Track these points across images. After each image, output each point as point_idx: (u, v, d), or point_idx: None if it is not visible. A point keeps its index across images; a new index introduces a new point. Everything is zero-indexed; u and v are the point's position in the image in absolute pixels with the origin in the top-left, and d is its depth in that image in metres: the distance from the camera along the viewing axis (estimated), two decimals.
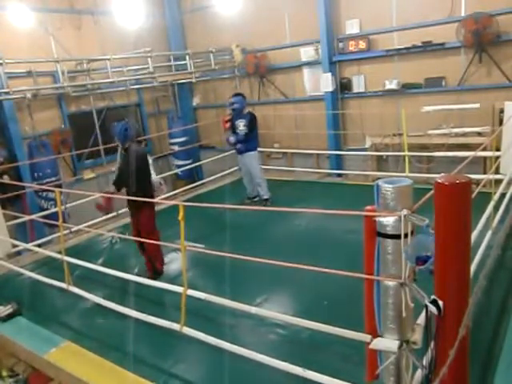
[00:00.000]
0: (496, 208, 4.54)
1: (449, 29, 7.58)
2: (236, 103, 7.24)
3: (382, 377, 2.41)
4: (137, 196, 4.49)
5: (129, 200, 4.92)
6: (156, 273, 5.00)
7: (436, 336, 2.14)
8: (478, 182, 4.30)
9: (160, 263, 5.12)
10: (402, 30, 8.22)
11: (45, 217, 6.55)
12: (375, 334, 2.36)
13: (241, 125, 7.22)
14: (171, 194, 8.22)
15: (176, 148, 10.23)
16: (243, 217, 6.52)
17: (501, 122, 6.68)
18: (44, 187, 7.25)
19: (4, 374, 4.16)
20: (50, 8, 8.55)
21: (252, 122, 7.23)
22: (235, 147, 7.34)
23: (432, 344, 2.17)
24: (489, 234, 4.34)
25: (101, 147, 8.44)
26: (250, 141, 7.26)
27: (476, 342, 2.93)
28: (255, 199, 7.46)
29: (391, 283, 2.24)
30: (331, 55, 9.00)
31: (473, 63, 7.67)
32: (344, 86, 9.18)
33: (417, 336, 2.30)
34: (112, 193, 4.98)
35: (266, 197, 7.31)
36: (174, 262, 5.31)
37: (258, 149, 7.63)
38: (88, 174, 9.17)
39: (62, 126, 8.92)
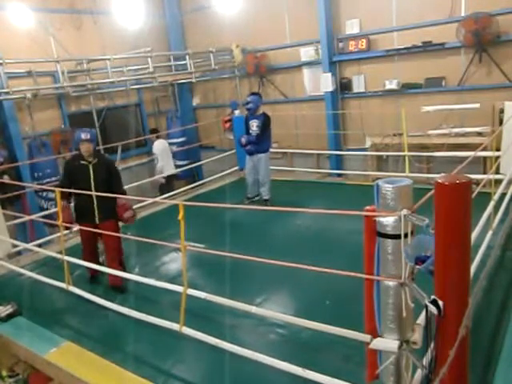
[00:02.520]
0: (496, 208, 4.54)
1: (449, 29, 7.59)
2: (251, 102, 7.10)
3: (382, 377, 2.41)
4: (111, 204, 4.58)
5: (94, 210, 4.57)
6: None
7: (436, 336, 2.14)
8: (478, 182, 4.30)
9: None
10: (402, 30, 8.23)
11: (45, 217, 6.55)
12: (375, 334, 2.36)
13: (254, 125, 7.09)
14: (171, 194, 8.22)
15: (174, 148, 10.23)
16: (243, 217, 6.53)
17: (501, 122, 6.68)
18: (44, 187, 7.25)
19: (4, 374, 4.16)
20: (50, 8, 8.55)
21: (265, 123, 7.07)
22: (245, 148, 7.19)
23: (432, 344, 2.17)
24: (489, 234, 4.34)
25: (101, 147, 8.43)
26: (261, 142, 7.10)
27: (476, 342, 2.92)
28: (254, 199, 7.43)
29: (391, 283, 2.24)
30: (331, 55, 9.01)
31: (473, 63, 7.68)
32: (344, 86, 9.18)
33: (417, 336, 2.30)
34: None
35: (266, 197, 7.28)
36: (174, 261, 5.31)
37: None
38: None
39: (62, 125, 8.92)
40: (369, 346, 2.36)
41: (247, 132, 7.19)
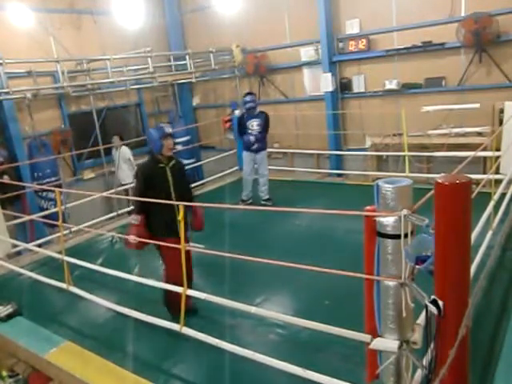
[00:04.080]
0: (496, 208, 4.54)
1: (449, 29, 7.58)
2: (251, 102, 7.22)
3: (382, 377, 2.41)
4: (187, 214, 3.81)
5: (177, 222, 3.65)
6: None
7: (436, 336, 2.14)
8: (478, 182, 4.30)
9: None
10: (402, 29, 8.22)
11: (45, 217, 6.55)
12: (375, 334, 2.36)
13: (254, 124, 7.23)
14: None
15: (179, 147, 10.24)
16: (243, 217, 6.53)
17: (501, 122, 6.68)
18: (44, 187, 7.26)
19: (4, 374, 4.16)
20: (50, 8, 8.55)
21: (267, 121, 7.32)
22: (252, 147, 7.33)
23: (432, 344, 2.17)
24: (489, 234, 4.34)
25: (101, 147, 8.44)
26: (264, 140, 7.39)
27: (476, 342, 2.92)
28: (249, 201, 7.47)
29: (391, 283, 2.24)
30: (331, 55, 9.00)
31: (473, 63, 7.67)
32: (344, 86, 9.17)
33: (417, 336, 2.30)
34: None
35: (267, 196, 7.35)
36: None
37: None
38: (88, 174, 9.20)
39: (62, 125, 8.92)
40: (369, 346, 2.36)
41: (244, 132, 7.29)
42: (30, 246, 5.55)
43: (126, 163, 8.68)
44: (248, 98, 7.25)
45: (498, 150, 5.53)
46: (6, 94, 7.28)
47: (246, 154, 7.45)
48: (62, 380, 3.61)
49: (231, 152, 9.06)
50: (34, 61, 7.63)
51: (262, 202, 7.31)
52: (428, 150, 7.42)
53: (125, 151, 8.72)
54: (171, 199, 3.85)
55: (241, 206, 6.64)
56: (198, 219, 4.06)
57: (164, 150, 3.94)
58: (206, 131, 11.34)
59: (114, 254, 6.08)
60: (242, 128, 7.33)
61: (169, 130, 3.98)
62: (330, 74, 9.01)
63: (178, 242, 3.33)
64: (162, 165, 3.96)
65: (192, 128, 10.66)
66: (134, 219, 3.83)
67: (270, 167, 7.64)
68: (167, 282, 3.81)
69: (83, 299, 4.18)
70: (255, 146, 7.32)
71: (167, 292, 3.86)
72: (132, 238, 3.75)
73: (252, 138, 7.25)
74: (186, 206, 3.49)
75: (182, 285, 3.45)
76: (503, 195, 4.88)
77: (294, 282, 4.40)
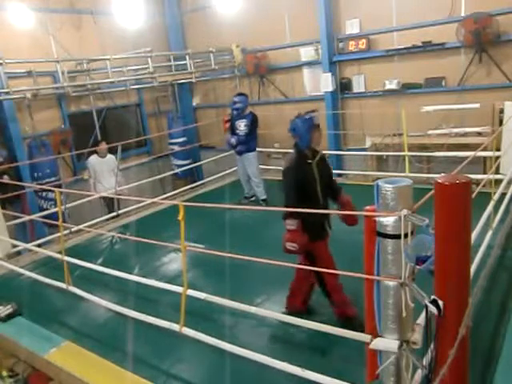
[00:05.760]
0: (496, 208, 4.54)
1: (449, 29, 7.58)
2: (239, 102, 7.16)
3: (382, 377, 2.40)
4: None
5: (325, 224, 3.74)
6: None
7: (436, 336, 2.14)
8: (478, 182, 4.30)
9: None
10: (402, 30, 8.23)
11: (45, 217, 6.55)
12: (375, 334, 2.36)
13: (241, 125, 7.16)
14: (171, 194, 8.22)
15: (175, 148, 10.24)
16: (243, 217, 6.52)
17: (501, 122, 6.68)
18: (44, 187, 7.25)
19: (4, 374, 4.16)
20: (50, 8, 8.55)
21: (254, 122, 7.19)
22: (235, 148, 7.27)
23: (432, 344, 2.17)
24: (489, 234, 4.34)
25: (101, 147, 8.42)
26: (249, 141, 7.21)
27: (476, 342, 2.92)
28: (252, 199, 7.50)
29: (391, 283, 2.24)
30: (331, 55, 9.01)
31: (473, 63, 7.68)
32: (344, 86, 9.18)
33: (417, 336, 2.29)
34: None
35: (264, 197, 7.34)
36: (174, 262, 5.31)
37: (258, 149, 7.61)
38: (88, 174, 9.17)
39: (62, 126, 8.92)
40: (369, 346, 2.36)
41: (233, 132, 7.24)
42: (30, 246, 5.55)
43: (112, 171, 7.68)
44: (236, 99, 7.20)
45: (498, 150, 5.53)
46: (5, 94, 7.28)
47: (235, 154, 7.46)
48: (61, 380, 3.60)
49: (231, 152, 9.05)
50: (34, 61, 7.63)
51: (260, 202, 7.32)
52: (428, 150, 7.42)
53: (113, 159, 7.74)
54: (318, 199, 3.61)
55: (240, 206, 6.63)
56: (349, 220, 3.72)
57: (312, 143, 3.64)
58: (205, 131, 11.34)
59: (114, 253, 6.08)
60: (232, 128, 7.28)
61: (318, 120, 3.60)
62: (330, 74, 9.01)
63: (323, 244, 3.57)
64: (309, 161, 3.62)
65: (192, 128, 10.66)
66: (291, 224, 3.43)
67: (269, 167, 7.62)
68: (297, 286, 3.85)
69: (83, 299, 4.18)
70: (238, 148, 7.20)
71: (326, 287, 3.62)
72: (289, 245, 3.42)
73: (232, 140, 7.15)
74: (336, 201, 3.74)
75: (340, 291, 3.46)
76: (503, 195, 4.89)
77: None
